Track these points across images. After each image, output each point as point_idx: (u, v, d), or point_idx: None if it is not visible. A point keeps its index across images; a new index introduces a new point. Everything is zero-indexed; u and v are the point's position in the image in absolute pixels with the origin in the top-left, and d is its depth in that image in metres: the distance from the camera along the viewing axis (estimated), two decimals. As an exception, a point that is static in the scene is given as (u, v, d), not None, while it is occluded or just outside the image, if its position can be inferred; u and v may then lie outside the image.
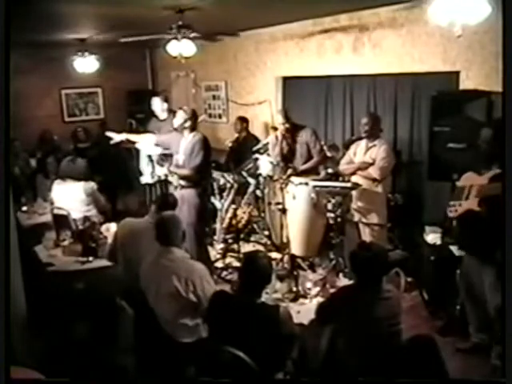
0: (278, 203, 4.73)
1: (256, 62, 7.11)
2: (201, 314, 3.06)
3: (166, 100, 6.00)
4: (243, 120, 6.80)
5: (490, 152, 3.29)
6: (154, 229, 3.27)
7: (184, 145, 4.53)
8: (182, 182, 4.53)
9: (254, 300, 2.65)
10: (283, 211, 4.58)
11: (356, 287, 2.85)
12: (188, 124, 4.50)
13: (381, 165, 4.46)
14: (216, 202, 5.58)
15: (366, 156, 4.57)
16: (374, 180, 4.51)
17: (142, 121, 7.23)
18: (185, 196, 4.49)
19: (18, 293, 3.07)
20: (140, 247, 3.52)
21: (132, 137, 5.25)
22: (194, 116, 4.57)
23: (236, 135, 6.67)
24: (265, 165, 5.23)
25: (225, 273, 4.97)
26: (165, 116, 5.79)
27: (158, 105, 5.85)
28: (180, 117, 4.54)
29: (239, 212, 5.48)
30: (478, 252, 3.41)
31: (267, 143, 5.53)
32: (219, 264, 5.12)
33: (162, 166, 4.77)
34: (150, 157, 5.60)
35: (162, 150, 5.11)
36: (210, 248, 5.13)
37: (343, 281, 3.98)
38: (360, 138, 4.83)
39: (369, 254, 2.75)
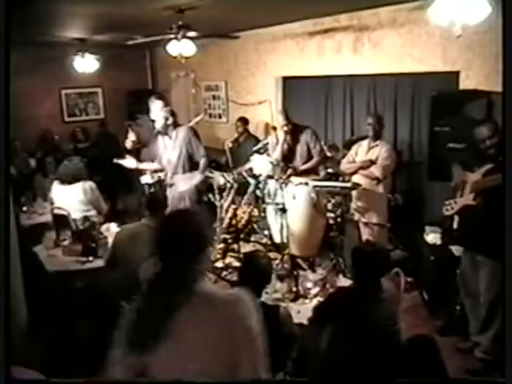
0: (277, 203, 4.73)
1: (256, 62, 7.11)
2: None
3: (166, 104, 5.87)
4: (244, 121, 6.79)
5: (485, 151, 3.30)
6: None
7: (171, 143, 4.63)
8: (182, 184, 4.55)
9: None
10: (283, 211, 4.58)
11: (354, 287, 2.85)
12: (170, 122, 4.63)
13: (383, 163, 4.45)
14: (216, 202, 5.57)
15: (367, 156, 4.57)
16: (375, 179, 4.50)
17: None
18: (183, 196, 4.50)
19: (18, 293, 3.07)
20: (140, 249, 3.51)
21: (142, 165, 5.19)
22: (172, 113, 4.69)
23: (236, 135, 6.66)
24: (265, 165, 5.23)
25: (225, 273, 4.97)
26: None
27: (157, 108, 5.65)
28: (160, 118, 4.62)
29: (239, 212, 5.48)
30: (475, 246, 3.42)
31: (267, 143, 5.52)
32: (219, 264, 5.12)
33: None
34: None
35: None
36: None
37: (343, 281, 3.97)
38: (361, 138, 4.83)
39: (371, 249, 2.80)
